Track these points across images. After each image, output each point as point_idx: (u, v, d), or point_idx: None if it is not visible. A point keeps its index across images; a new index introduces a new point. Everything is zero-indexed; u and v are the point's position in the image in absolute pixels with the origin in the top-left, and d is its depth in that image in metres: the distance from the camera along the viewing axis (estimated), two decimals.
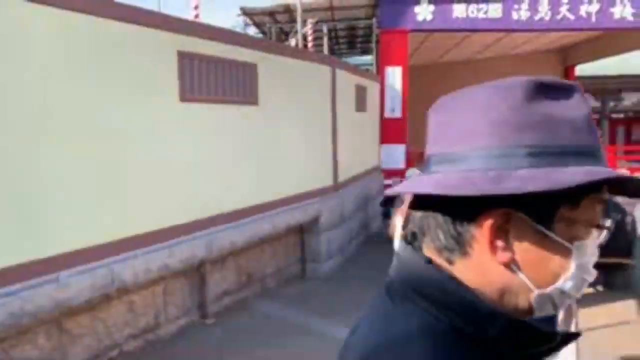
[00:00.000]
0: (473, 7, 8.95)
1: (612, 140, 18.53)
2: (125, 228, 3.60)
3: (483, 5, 8.95)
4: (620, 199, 5.38)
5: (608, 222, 0.57)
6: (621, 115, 21.04)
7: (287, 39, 11.25)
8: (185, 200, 4.11)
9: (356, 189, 7.41)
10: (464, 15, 9.00)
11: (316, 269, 6.12)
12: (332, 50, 10.14)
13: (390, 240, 7.79)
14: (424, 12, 8.98)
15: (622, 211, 5.28)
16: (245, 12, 9.81)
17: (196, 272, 4.63)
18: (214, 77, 4.33)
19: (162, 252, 3.87)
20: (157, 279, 4.07)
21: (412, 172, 6.26)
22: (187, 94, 4.02)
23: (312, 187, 5.91)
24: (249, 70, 4.76)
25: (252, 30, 11.01)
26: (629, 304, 4.88)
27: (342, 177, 6.72)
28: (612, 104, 19.76)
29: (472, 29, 9.33)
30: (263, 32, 10.62)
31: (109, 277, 3.48)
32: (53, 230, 3.15)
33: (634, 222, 5.26)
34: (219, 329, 4.56)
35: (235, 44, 4.53)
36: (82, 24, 3.22)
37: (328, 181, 6.36)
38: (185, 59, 3.97)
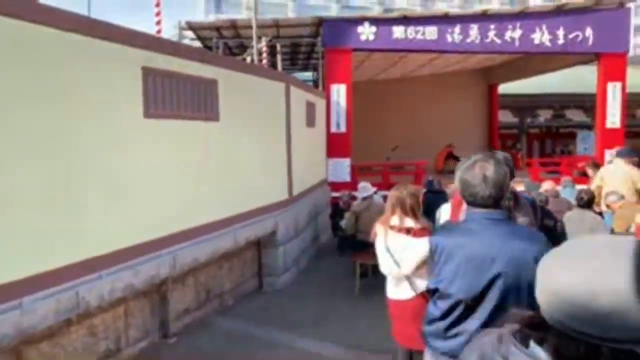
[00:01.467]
0: (411, 29, 9.53)
1: (530, 154, 20.20)
2: (90, 248, 3.47)
3: (420, 28, 9.56)
4: (551, 207, 5.98)
5: None
6: (537, 130, 23.05)
7: (231, 54, 11.26)
8: (150, 217, 4.03)
9: (308, 202, 7.56)
10: (403, 36, 9.55)
11: (273, 282, 6.16)
12: (273, 66, 10.29)
13: (339, 251, 7.91)
14: (366, 33, 9.42)
15: (554, 218, 5.86)
16: (191, 26, 9.72)
17: (157, 291, 4.52)
18: (177, 93, 4.31)
19: (127, 272, 3.76)
20: (119, 300, 3.94)
21: (364, 184, 6.52)
22: (152, 109, 3.98)
23: (270, 201, 5.97)
24: (211, 87, 4.78)
25: (195, 45, 10.89)
26: None
27: (296, 191, 6.84)
28: (529, 119, 21.62)
29: (410, 49, 9.92)
30: (208, 47, 10.55)
31: (74, 301, 3.33)
32: (13, 254, 2.98)
33: (563, 227, 5.85)
34: (182, 348, 4.47)
35: (198, 60, 4.54)
36: (43, 36, 3.11)
37: (284, 195, 6.45)
38: (150, 74, 3.93)
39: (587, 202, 5.92)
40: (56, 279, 3.21)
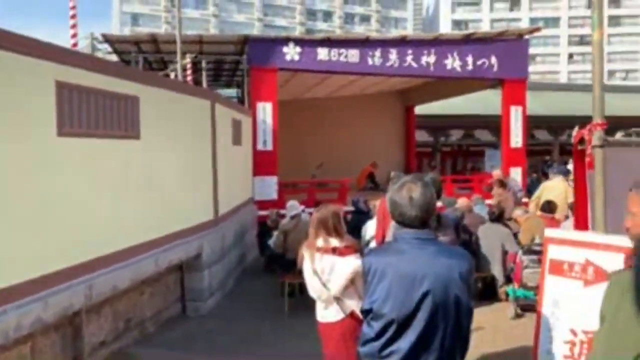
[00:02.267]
0: (335, 51, 9.82)
1: (443, 171, 21.49)
2: None
3: (343, 50, 9.88)
4: (467, 222, 6.38)
5: None
6: (449, 149, 24.63)
7: (151, 69, 10.85)
8: (63, 244, 3.72)
9: (235, 221, 7.41)
10: (327, 58, 9.81)
11: (198, 307, 5.93)
12: (198, 83, 10.07)
13: (266, 272, 7.84)
14: (291, 53, 9.55)
15: (469, 232, 6.26)
16: (107, 39, 9.23)
17: (70, 324, 4.15)
18: (95, 110, 4.05)
19: (36, 305, 3.42)
20: (26, 337, 3.56)
21: (293, 203, 6.53)
22: (66, 127, 3.70)
23: (194, 222, 5.77)
24: (132, 103, 4.55)
25: (111, 59, 10.36)
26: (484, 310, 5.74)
27: (222, 210, 6.67)
28: (442, 138, 23.07)
29: (333, 70, 10.19)
30: (126, 62, 10.08)
31: None
32: None
33: (477, 241, 6.26)
34: None
35: (119, 76, 4.32)
36: None
37: (209, 215, 6.27)
38: (65, 89, 3.67)
39: (498, 216, 6.41)
40: None
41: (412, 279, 1.89)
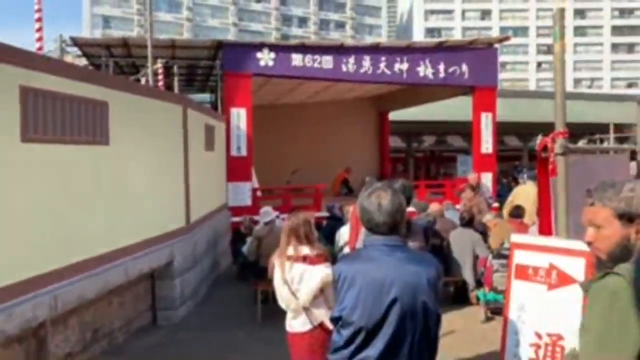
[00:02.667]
0: (309, 57, 9.85)
1: (417, 176, 21.78)
2: None
3: (317, 57, 9.92)
4: (439, 227, 6.47)
5: None
6: (422, 155, 25.02)
7: (122, 73, 10.66)
8: (27, 253, 3.60)
9: (208, 228, 7.32)
10: (301, 64, 9.83)
11: (169, 316, 5.82)
12: (170, 88, 9.94)
13: (239, 279, 7.77)
14: (265, 58, 9.54)
15: (441, 237, 6.36)
16: (76, 42, 9.02)
17: (34, 336, 4.01)
18: (61, 116, 3.95)
19: None
20: None
21: (267, 209, 6.50)
22: (31, 133, 3.60)
23: (166, 229, 5.68)
24: (100, 109, 4.46)
25: (80, 62, 10.13)
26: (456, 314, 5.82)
27: (194, 217, 6.59)
28: (415, 144, 23.41)
29: (307, 76, 10.22)
30: (96, 65, 9.86)
31: None
32: None
33: (449, 246, 6.36)
34: None
35: (87, 81, 4.23)
36: None
37: (181, 222, 6.18)
38: (30, 95, 3.57)
39: (468, 221, 6.53)
40: None
41: (380, 286, 1.90)
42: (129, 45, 9.19)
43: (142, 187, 5.29)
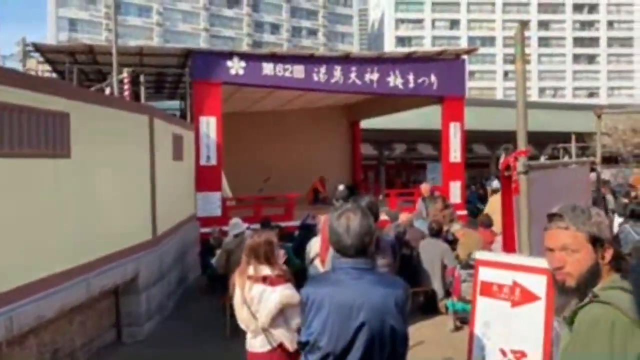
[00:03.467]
0: (280, 66, 9.83)
1: (388, 184, 21.99)
2: None
3: (289, 66, 9.91)
4: (408, 236, 6.52)
5: None
6: (393, 162, 25.30)
7: (87, 80, 10.38)
8: None
9: (175, 240, 7.17)
10: (272, 73, 9.80)
11: (134, 333, 5.65)
12: (136, 97, 9.72)
13: (208, 292, 7.61)
14: (236, 67, 9.46)
15: (410, 247, 6.40)
16: (38, 48, 8.73)
17: None
18: (18, 128, 3.80)
19: None
20: None
21: (236, 221, 6.40)
22: None
23: (131, 243, 5.52)
24: (60, 120, 4.31)
25: (44, 68, 9.82)
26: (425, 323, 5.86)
27: (161, 230, 6.44)
28: (386, 152, 23.66)
29: (279, 85, 10.19)
30: (59, 72, 9.56)
31: None
32: None
33: (419, 256, 6.41)
34: None
35: (44, 92, 4.07)
36: None
37: (147, 235, 6.02)
38: None
39: (437, 231, 6.61)
40: None
41: (348, 310, 1.88)
42: (95, 52, 8.95)
43: (106, 200, 5.13)
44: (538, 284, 2.39)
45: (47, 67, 10.04)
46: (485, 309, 2.62)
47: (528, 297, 2.43)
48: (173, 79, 11.61)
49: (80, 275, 4.55)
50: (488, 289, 2.61)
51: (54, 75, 10.33)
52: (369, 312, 1.87)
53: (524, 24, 2.76)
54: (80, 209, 4.67)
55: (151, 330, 5.83)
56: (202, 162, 9.26)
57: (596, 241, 1.48)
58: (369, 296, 1.90)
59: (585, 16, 65.40)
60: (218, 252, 6.76)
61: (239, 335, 5.48)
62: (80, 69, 9.33)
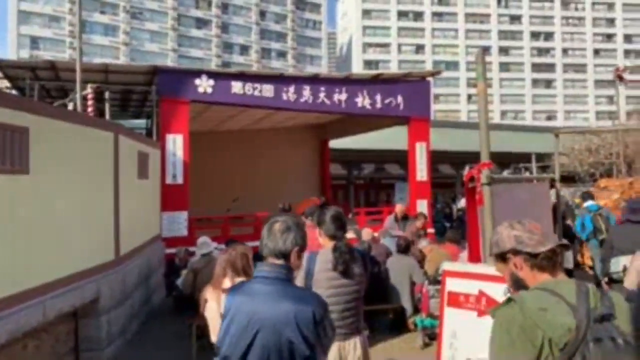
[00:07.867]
0: (249, 85, 9.85)
1: (357, 203, 22.14)
2: None
3: (258, 85, 9.94)
4: (374, 253, 6.54)
5: None
6: (362, 182, 25.54)
7: (49, 97, 10.09)
8: None
9: (139, 261, 6.94)
10: (242, 92, 9.79)
11: (94, 358, 5.38)
12: (101, 113, 9.51)
13: (174, 313, 7.36)
14: (204, 85, 9.41)
15: (378, 264, 6.41)
16: None
17: None
18: None
19: None
20: None
21: (204, 239, 6.28)
22: None
23: (91, 263, 5.30)
24: (19, 136, 4.15)
25: (1, 85, 9.50)
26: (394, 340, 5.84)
27: (124, 250, 6.23)
28: (355, 172, 23.88)
29: (248, 104, 10.19)
30: (20, 89, 9.26)
31: None
32: None
33: (387, 272, 6.43)
34: None
35: (1, 105, 3.92)
36: None
37: (109, 255, 5.81)
38: None
39: (405, 248, 6.65)
40: None
41: (248, 319, 1.91)
42: (57, 68, 8.73)
43: (66, 218, 4.94)
44: (503, 293, 2.43)
45: (7, 83, 9.71)
46: (453, 319, 2.63)
47: (494, 305, 2.46)
48: (139, 97, 11.43)
49: (35, 298, 4.32)
50: (455, 300, 2.64)
51: (14, 92, 10.00)
52: (265, 324, 1.88)
53: (485, 50, 2.88)
54: (38, 228, 4.47)
55: (113, 355, 5.57)
56: (168, 180, 9.09)
57: (499, 257, 1.73)
58: (268, 307, 1.90)
59: (541, 43, 68.77)
60: (184, 272, 6.59)
61: (206, 357, 5.33)
62: (41, 86, 9.07)
